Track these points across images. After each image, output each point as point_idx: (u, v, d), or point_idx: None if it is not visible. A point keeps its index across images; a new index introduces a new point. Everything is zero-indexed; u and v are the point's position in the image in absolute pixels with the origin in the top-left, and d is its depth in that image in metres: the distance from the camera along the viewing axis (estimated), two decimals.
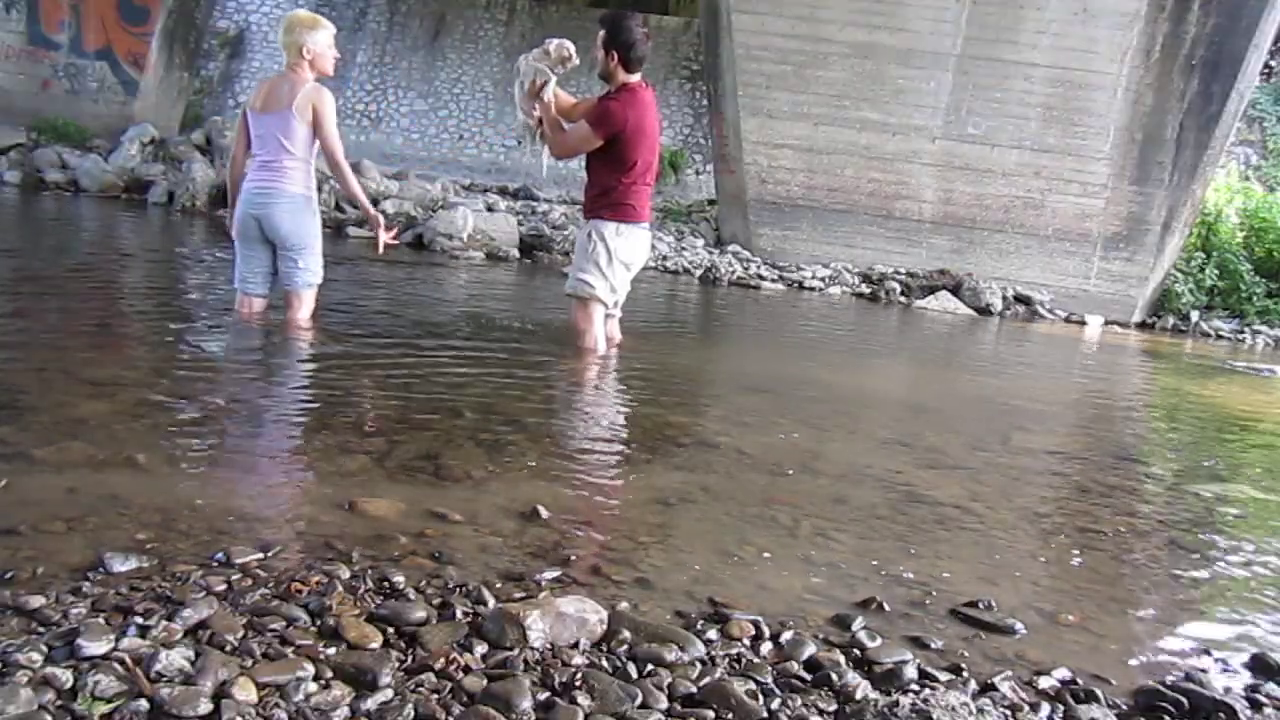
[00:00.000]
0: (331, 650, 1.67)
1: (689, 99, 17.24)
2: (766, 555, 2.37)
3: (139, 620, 1.67)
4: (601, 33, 4.35)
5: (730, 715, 1.62)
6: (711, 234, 11.08)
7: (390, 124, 17.62)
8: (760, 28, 9.73)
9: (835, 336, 7.20)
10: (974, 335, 8.09)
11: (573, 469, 3.01)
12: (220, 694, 1.50)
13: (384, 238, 4.45)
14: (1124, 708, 1.82)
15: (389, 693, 1.57)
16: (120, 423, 2.93)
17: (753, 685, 1.72)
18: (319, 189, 4.50)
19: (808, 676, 1.78)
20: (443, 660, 1.67)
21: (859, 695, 1.70)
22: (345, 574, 1.97)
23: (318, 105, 4.19)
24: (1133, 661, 2.05)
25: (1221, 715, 1.78)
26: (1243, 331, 9.72)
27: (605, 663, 1.74)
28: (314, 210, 4.35)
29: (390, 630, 1.76)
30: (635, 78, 4.40)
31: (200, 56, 15.75)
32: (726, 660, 1.81)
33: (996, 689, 1.79)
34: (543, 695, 1.61)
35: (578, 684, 1.65)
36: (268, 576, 1.93)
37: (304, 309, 4.41)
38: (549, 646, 1.76)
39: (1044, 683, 1.86)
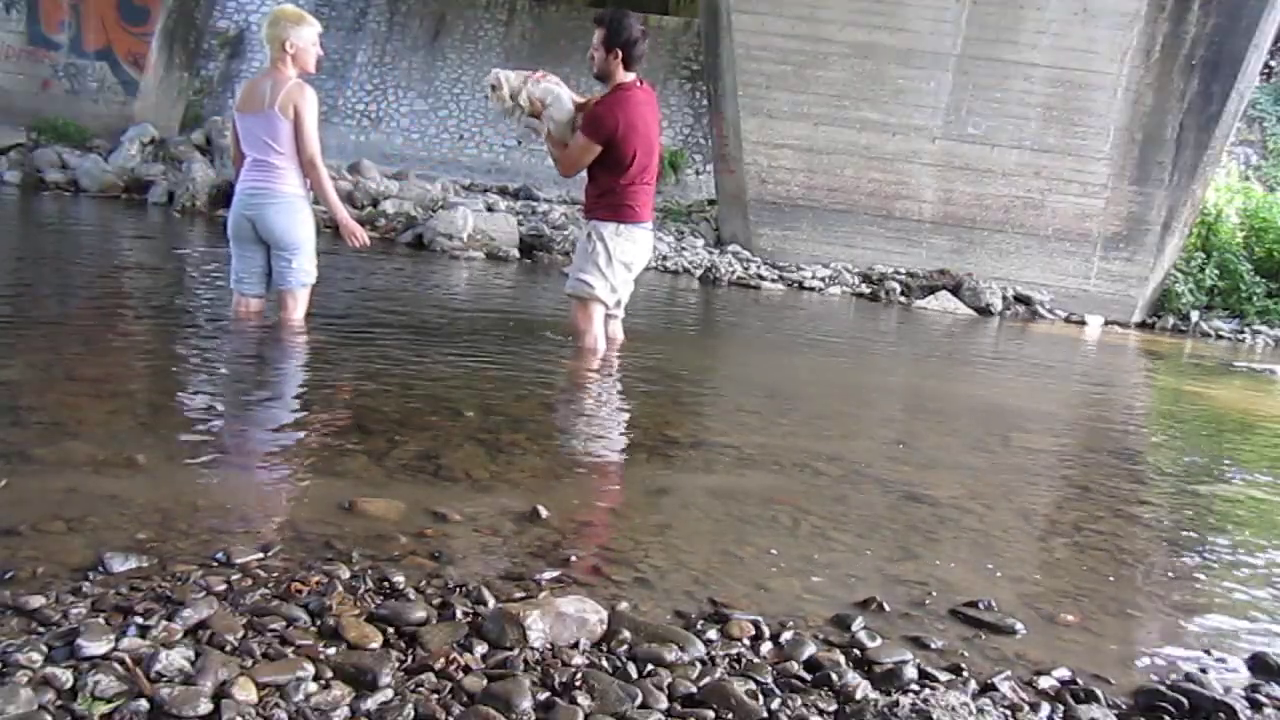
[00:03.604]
0: (331, 650, 1.67)
1: (689, 99, 17.23)
2: (766, 555, 2.37)
3: (139, 620, 1.67)
4: (601, 31, 4.34)
5: (730, 715, 1.62)
6: (711, 234, 11.08)
7: (390, 124, 17.61)
8: (760, 28, 9.73)
9: (835, 337, 7.20)
10: (974, 335, 8.08)
11: (573, 469, 3.01)
12: (220, 694, 1.50)
13: (355, 241, 4.42)
14: (1124, 708, 1.82)
15: (389, 693, 1.57)
16: (120, 423, 2.93)
17: (753, 685, 1.72)
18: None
19: (808, 676, 1.78)
20: (443, 660, 1.67)
21: (859, 695, 1.70)
22: (345, 574, 1.97)
23: (299, 103, 4.14)
24: (1133, 661, 2.05)
25: (1221, 715, 1.78)
26: (1243, 331, 9.72)
27: (605, 663, 1.74)
28: (307, 210, 4.34)
29: (390, 630, 1.76)
30: (630, 77, 4.39)
31: (200, 56, 15.75)
32: (726, 660, 1.81)
33: (996, 689, 1.79)
34: (543, 695, 1.61)
35: (578, 684, 1.65)
36: (268, 576, 1.93)
37: (298, 309, 4.40)
38: (549, 646, 1.76)
39: (1044, 683, 1.86)
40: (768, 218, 10.14)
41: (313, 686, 1.56)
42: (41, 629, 1.63)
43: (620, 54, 4.32)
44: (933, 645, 1.97)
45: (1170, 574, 2.69)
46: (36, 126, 12.13)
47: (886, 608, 2.12)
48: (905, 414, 4.73)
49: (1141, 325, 9.91)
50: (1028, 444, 4.17)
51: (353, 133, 17.44)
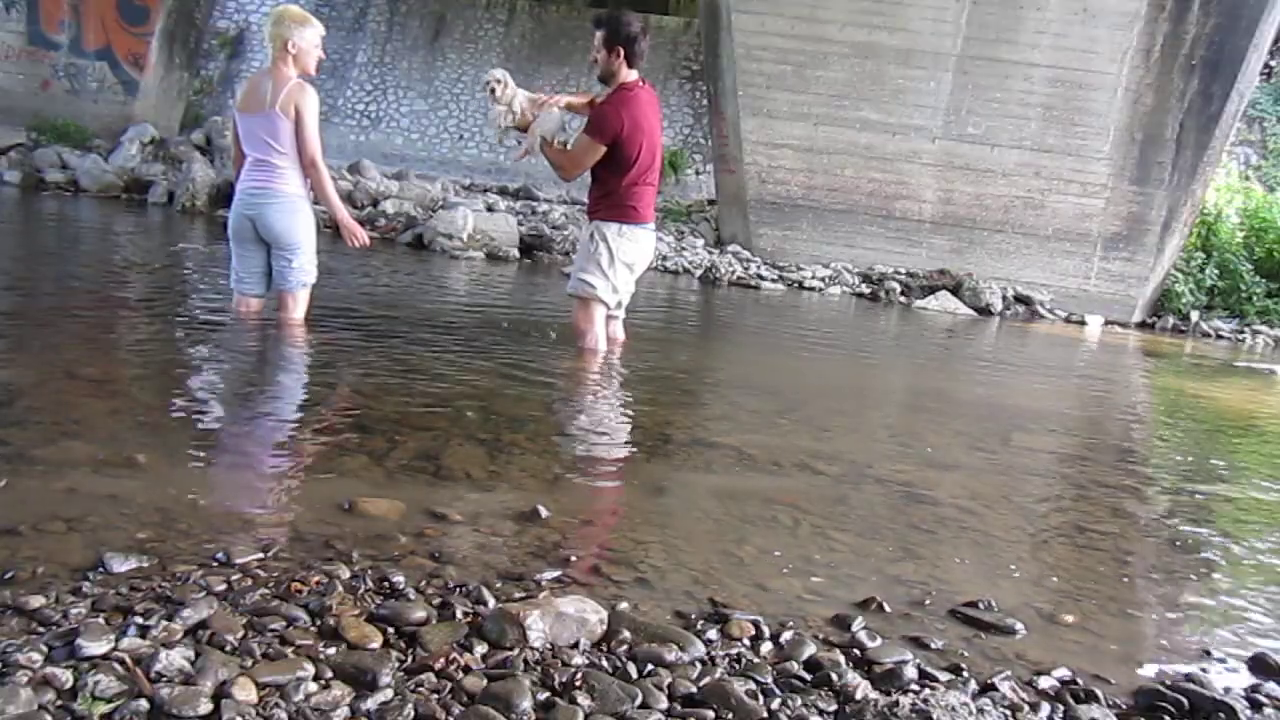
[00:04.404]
0: (331, 650, 1.67)
1: (689, 99, 17.23)
2: (766, 555, 2.37)
3: (139, 620, 1.67)
4: (601, 33, 4.34)
5: (730, 715, 1.62)
6: (711, 234, 11.08)
7: (390, 124, 17.62)
8: (760, 28, 9.73)
9: (835, 337, 7.20)
10: (974, 335, 8.08)
11: (573, 469, 3.01)
12: (220, 694, 1.50)
13: (355, 241, 4.42)
14: (1124, 708, 1.82)
15: (389, 693, 1.57)
16: (120, 423, 2.93)
17: (753, 685, 1.72)
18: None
19: (808, 676, 1.78)
20: (443, 660, 1.67)
21: (859, 695, 1.70)
22: (345, 574, 1.97)
23: (300, 103, 4.14)
24: (1133, 661, 2.05)
25: (1221, 715, 1.78)
26: (1243, 331, 9.72)
27: (605, 663, 1.74)
28: (307, 210, 4.33)
29: (390, 630, 1.76)
30: (634, 75, 4.40)
31: (200, 56, 15.75)
32: (726, 660, 1.81)
33: (996, 689, 1.79)
34: (543, 695, 1.61)
35: (578, 684, 1.65)
36: (268, 576, 1.93)
37: (298, 309, 4.40)
38: (549, 646, 1.76)
39: (1044, 683, 1.86)
40: (768, 218, 10.14)
41: (313, 686, 1.56)
42: (41, 629, 1.63)
43: (622, 52, 4.32)
44: (933, 645, 1.97)
45: (1171, 574, 2.69)
46: (36, 126, 12.13)
47: (886, 608, 2.12)
48: (905, 414, 4.73)
49: (1141, 325, 9.91)
50: (1028, 444, 4.17)
51: (353, 133, 17.44)
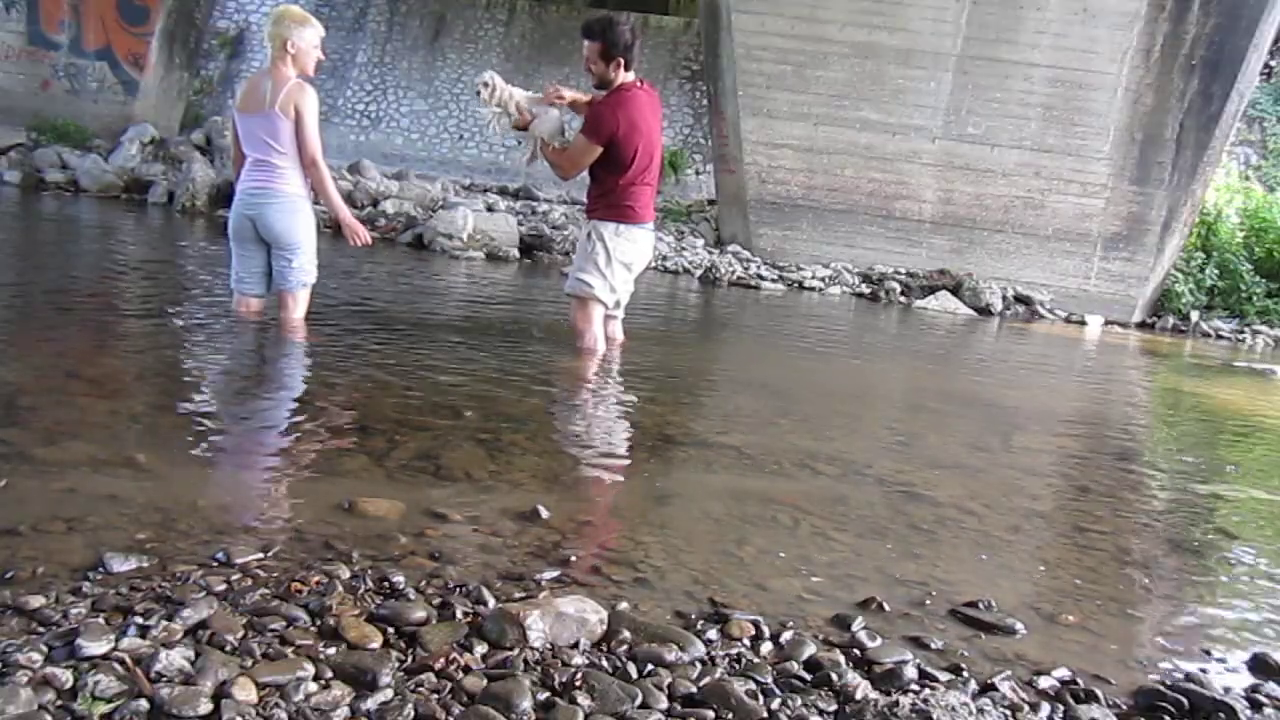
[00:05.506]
0: (331, 650, 1.67)
1: (689, 99, 17.23)
2: (766, 555, 2.37)
3: (139, 620, 1.67)
4: (598, 44, 4.30)
5: (730, 715, 1.62)
6: (711, 234, 11.08)
7: (390, 124, 17.61)
8: (760, 28, 9.73)
9: (835, 337, 7.20)
10: (974, 335, 8.08)
11: (573, 469, 3.01)
12: (220, 694, 1.50)
13: (357, 240, 4.44)
14: (1124, 708, 1.82)
15: (389, 693, 1.57)
16: (120, 423, 2.93)
17: (753, 685, 1.72)
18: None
19: (808, 676, 1.78)
20: (443, 660, 1.67)
21: (859, 695, 1.70)
22: (345, 574, 1.97)
23: (300, 103, 4.14)
24: (1133, 661, 2.05)
25: (1221, 715, 1.78)
26: (1243, 331, 9.71)
27: (605, 663, 1.74)
28: (308, 210, 4.34)
29: (390, 630, 1.76)
30: (631, 76, 4.40)
31: (200, 56, 15.74)
32: (726, 660, 1.81)
33: (996, 689, 1.79)
34: (543, 695, 1.61)
35: (578, 684, 1.65)
36: (268, 576, 1.93)
37: (298, 308, 4.40)
38: (549, 646, 1.76)
39: (1044, 683, 1.86)
40: (768, 218, 10.14)
41: (313, 686, 1.56)
42: (41, 629, 1.63)
43: (622, 60, 4.32)
44: (933, 645, 1.97)
45: (1170, 574, 2.69)
46: (36, 126, 12.13)
47: (886, 608, 2.12)
48: (905, 414, 4.73)
49: (1141, 325, 9.90)
50: (1028, 444, 4.17)
51: (353, 133, 17.44)
